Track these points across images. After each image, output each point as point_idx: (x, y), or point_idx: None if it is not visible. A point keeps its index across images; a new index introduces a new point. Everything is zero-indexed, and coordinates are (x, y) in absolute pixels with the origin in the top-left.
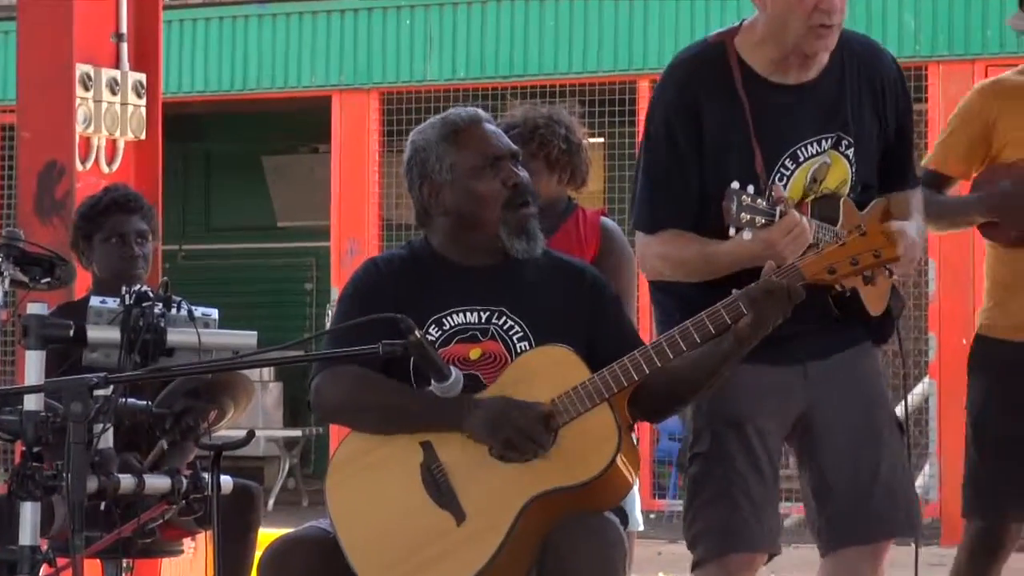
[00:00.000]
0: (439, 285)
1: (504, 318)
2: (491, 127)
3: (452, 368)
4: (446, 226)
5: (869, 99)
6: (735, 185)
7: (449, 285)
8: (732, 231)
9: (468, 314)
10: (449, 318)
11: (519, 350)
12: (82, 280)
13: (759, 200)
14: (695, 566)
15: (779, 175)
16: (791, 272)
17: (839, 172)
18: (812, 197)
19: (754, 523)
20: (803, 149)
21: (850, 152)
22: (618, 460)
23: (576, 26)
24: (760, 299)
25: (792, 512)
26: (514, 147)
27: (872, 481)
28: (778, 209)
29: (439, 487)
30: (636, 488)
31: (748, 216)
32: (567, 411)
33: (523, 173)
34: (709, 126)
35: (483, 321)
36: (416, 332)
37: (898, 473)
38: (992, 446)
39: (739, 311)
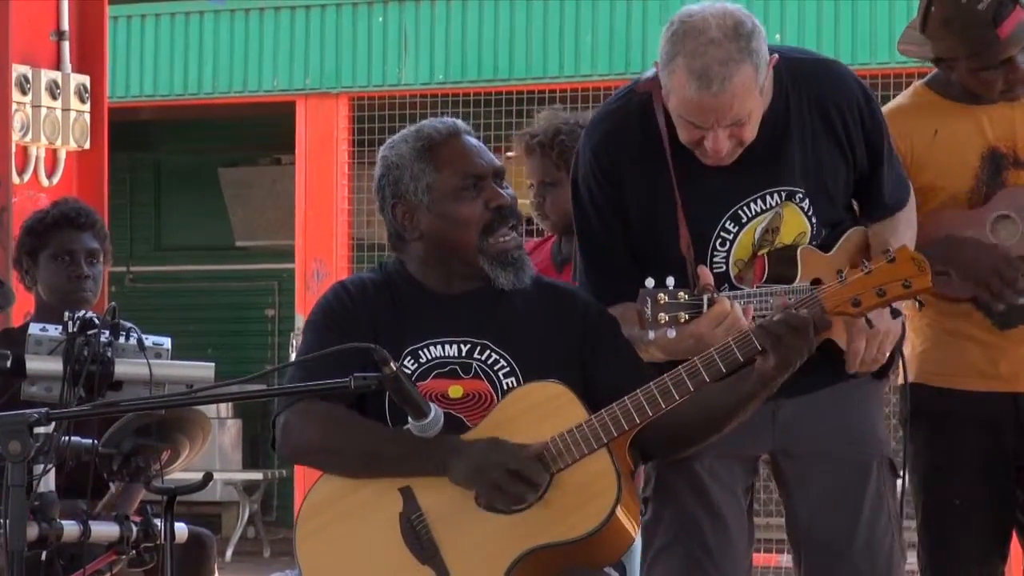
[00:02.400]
0: (416, 314)
1: (488, 352)
2: (471, 141)
3: (431, 405)
4: (422, 251)
5: (826, 134)
6: (649, 283)
7: (427, 314)
8: (651, 335)
9: (447, 347)
10: (426, 350)
11: (506, 387)
12: (21, 306)
13: (681, 294)
14: None
15: (720, 240)
16: (811, 304)
17: (795, 225)
18: (767, 250)
19: (714, 573)
20: (745, 209)
21: (805, 204)
22: (618, 511)
23: (568, 25)
24: (784, 337)
25: None
26: (497, 164)
27: (851, 536)
28: (705, 298)
29: (420, 540)
30: (639, 541)
31: (668, 316)
32: (561, 457)
33: (508, 192)
34: (632, 194)
35: (464, 355)
36: (392, 364)
37: (881, 523)
38: (952, 514)
39: (752, 346)
